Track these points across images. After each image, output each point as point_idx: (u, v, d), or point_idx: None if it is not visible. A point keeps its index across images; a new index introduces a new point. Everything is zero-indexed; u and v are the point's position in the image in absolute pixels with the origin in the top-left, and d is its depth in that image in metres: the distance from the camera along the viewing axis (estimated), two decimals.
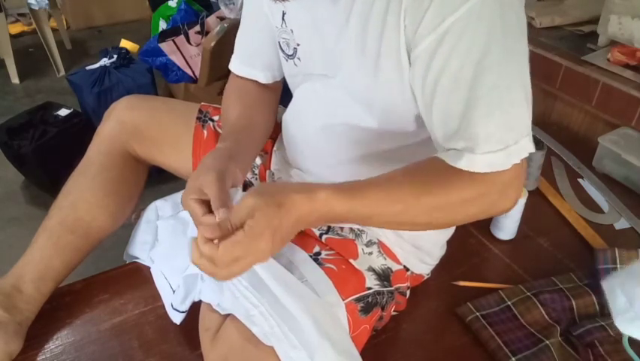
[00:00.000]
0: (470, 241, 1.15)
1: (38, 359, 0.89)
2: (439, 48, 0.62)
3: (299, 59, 0.82)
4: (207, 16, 2.32)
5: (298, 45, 0.80)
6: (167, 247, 0.96)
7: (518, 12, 0.63)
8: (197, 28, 2.28)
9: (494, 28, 0.60)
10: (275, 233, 0.60)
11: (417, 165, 0.68)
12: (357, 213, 0.64)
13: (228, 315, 0.78)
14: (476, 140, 0.63)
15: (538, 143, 1.25)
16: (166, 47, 2.22)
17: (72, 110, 2.11)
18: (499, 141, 0.63)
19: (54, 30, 3.11)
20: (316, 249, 0.85)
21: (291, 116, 0.92)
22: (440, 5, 0.60)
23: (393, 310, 0.93)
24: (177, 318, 0.90)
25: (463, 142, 0.64)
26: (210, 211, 0.69)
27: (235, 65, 0.96)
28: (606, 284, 0.95)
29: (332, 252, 0.85)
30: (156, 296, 0.96)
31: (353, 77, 0.74)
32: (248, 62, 0.94)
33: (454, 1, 0.59)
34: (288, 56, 0.84)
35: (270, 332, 0.71)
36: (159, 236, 1.00)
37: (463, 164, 0.64)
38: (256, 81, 0.95)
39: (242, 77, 0.96)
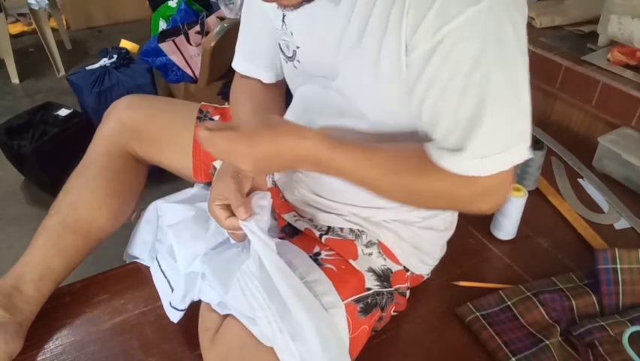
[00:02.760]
0: (470, 241, 1.15)
1: (38, 359, 0.89)
2: (432, 57, 0.63)
3: (298, 61, 0.82)
4: (207, 16, 2.32)
5: (298, 48, 0.80)
6: (183, 231, 0.92)
7: (517, 25, 0.62)
8: (197, 28, 2.28)
9: (487, 41, 0.60)
10: (256, 145, 0.66)
11: (406, 145, 0.72)
12: (335, 164, 0.68)
13: (228, 315, 0.78)
14: (463, 146, 0.65)
15: (538, 143, 1.25)
16: (166, 47, 2.22)
17: (72, 110, 2.11)
18: (484, 151, 0.64)
19: (54, 30, 3.10)
20: (316, 249, 0.85)
21: (291, 118, 0.92)
22: (440, 9, 0.60)
23: (393, 311, 0.93)
24: (175, 316, 0.90)
25: (450, 146, 0.66)
26: (233, 215, 0.75)
27: (238, 64, 0.96)
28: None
29: (332, 252, 0.85)
30: (156, 296, 0.96)
31: (353, 79, 0.74)
32: (251, 60, 0.94)
33: (453, 8, 0.59)
34: (288, 57, 0.84)
35: (272, 338, 0.71)
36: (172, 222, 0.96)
37: (445, 164, 0.66)
38: (260, 81, 0.95)
39: (246, 77, 0.96)
